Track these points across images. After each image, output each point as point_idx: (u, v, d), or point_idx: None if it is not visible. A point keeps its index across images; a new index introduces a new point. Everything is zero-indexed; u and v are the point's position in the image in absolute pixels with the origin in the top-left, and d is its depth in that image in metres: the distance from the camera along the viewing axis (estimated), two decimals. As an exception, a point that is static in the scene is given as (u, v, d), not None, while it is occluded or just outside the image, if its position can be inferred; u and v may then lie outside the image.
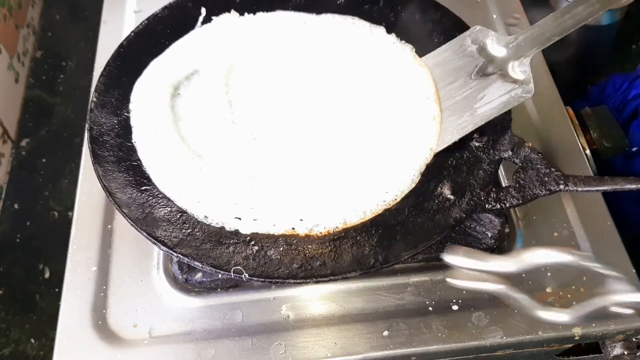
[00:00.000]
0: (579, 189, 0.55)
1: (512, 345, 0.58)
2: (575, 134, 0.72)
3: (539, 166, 0.58)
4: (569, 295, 0.60)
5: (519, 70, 0.60)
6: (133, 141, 0.62)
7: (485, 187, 0.58)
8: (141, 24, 0.71)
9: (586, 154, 0.70)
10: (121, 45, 0.69)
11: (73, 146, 0.89)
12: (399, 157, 0.61)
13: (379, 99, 0.66)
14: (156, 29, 0.71)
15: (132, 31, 0.71)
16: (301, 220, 0.56)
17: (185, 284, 0.62)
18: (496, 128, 0.61)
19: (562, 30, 0.57)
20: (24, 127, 0.94)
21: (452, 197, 0.57)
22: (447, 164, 0.61)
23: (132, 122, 0.63)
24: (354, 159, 0.61)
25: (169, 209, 0.57)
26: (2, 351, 0.75)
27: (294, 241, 0.56)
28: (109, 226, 0.65)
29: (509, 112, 0.61)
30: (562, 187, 0.56)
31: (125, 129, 0.63)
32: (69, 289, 0.61)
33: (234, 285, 0.61)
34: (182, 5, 0.72)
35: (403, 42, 0.70)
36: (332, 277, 0.53)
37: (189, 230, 0.56)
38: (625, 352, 0.60)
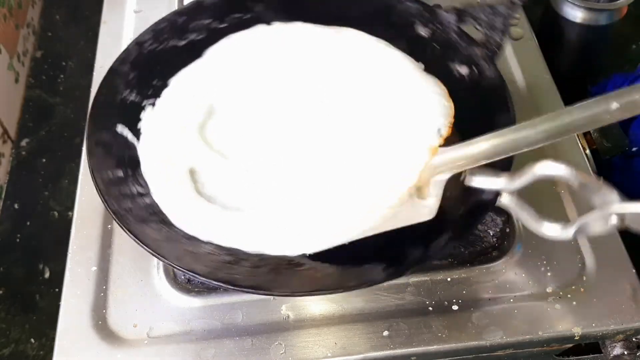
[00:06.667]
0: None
1: (512, 345, 0.58)
2: (575, 134, 0.72)
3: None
4: (569, 295, 0.60)
5: (432, 189, 0.53)
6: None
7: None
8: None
9: (586, 154, 0.70)
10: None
11: (73, 146, 0.89)
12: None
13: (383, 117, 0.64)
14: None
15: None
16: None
17: (187, 284, 0.62)
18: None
19: (495, 153, 0.49)
20: (24, 127, 0.94)
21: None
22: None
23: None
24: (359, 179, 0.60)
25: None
26: (2, 351, 0.75)
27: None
28: (109, 226, 0.65)
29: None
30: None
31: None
32: (69, 289, 0.61)
33: (235, 286, 0.61)
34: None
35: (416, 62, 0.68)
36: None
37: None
38: (625, 352, 0.60)
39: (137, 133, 0.62)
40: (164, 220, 0.56)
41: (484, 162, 0.50)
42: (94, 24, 0.84)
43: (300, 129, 0.65)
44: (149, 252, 0.52)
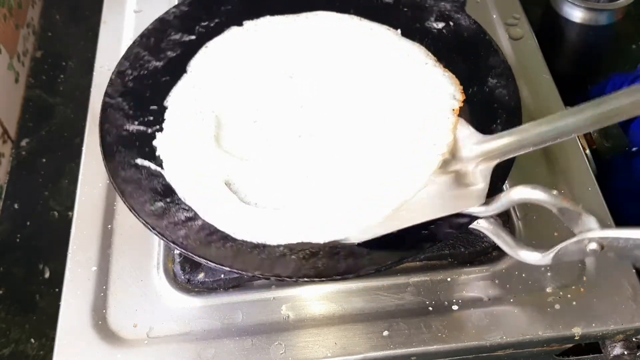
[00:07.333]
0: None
1: (512, 345, 0.58)
2: (576, 135, 0.72)
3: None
4: (568, 295, 0.60)
5: (480, 175, 0.53)
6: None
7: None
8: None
9: (586, 154, 0.70)
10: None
11: (73, 146, 0.89)
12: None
13: (393, 105, 0.65)
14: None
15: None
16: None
17: (187, 284, 0.62)
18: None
19: (542, 140, 0.49)
20: (24, 127, 0.94)
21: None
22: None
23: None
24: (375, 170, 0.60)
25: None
26: (2, 351, 0.75)
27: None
28: (109, 226, 0.65)
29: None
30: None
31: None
32: (69, 289, 0.61)
33: (235, 286, 0.61)
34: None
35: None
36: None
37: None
38: (625, 352, 0.60)
39: (156, 161, 0.61)
40: (225, 237, 0.56)
41: (529, 150, 0.50)
42: (94, 24, 0.84)
43: (310, 121, 0.65)
44: (230, 271, 0.53)
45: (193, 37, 0.70)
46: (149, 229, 0.54)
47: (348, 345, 0.58)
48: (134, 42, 0.68)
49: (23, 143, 0.93)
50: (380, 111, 0.64)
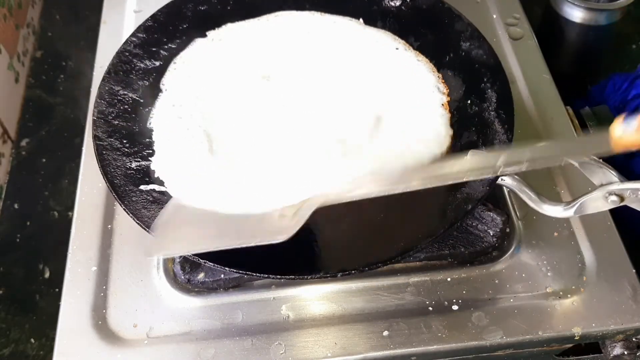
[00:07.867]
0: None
1: (512, 345, 0.58)
2: (575, 134, 0.72)
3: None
4: (568, 295, 0.60)
5: (300, 214, 0.52)
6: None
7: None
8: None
9: (586, 154, 0.70)
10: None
11: (73, 146, 0.89)
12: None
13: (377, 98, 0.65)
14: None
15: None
16: None
17: (187, 284, 0.62)
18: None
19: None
20: (24, 127, 0.94)
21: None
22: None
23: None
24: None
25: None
26: (2, 351, 0.75)
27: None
28: (109, 226, 0.65)
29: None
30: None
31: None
32: (69, 289, 0.61)
33: (235, 285, 0.61)
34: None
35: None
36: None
37: None
38: (625, 352, 0.60)
39: (156, 181, 0.60)
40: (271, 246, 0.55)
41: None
42: (94, 24, 0.84)
43: (299, 121, 0.64)
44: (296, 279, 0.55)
45: (160, 62, 0.70)
46: (212, 265, 0.53)
47: (348, 345, 0.58)
48: (103, 79, 0.66)
49: (23, 143, 0.93)
50: (366, 106, 0.64)
